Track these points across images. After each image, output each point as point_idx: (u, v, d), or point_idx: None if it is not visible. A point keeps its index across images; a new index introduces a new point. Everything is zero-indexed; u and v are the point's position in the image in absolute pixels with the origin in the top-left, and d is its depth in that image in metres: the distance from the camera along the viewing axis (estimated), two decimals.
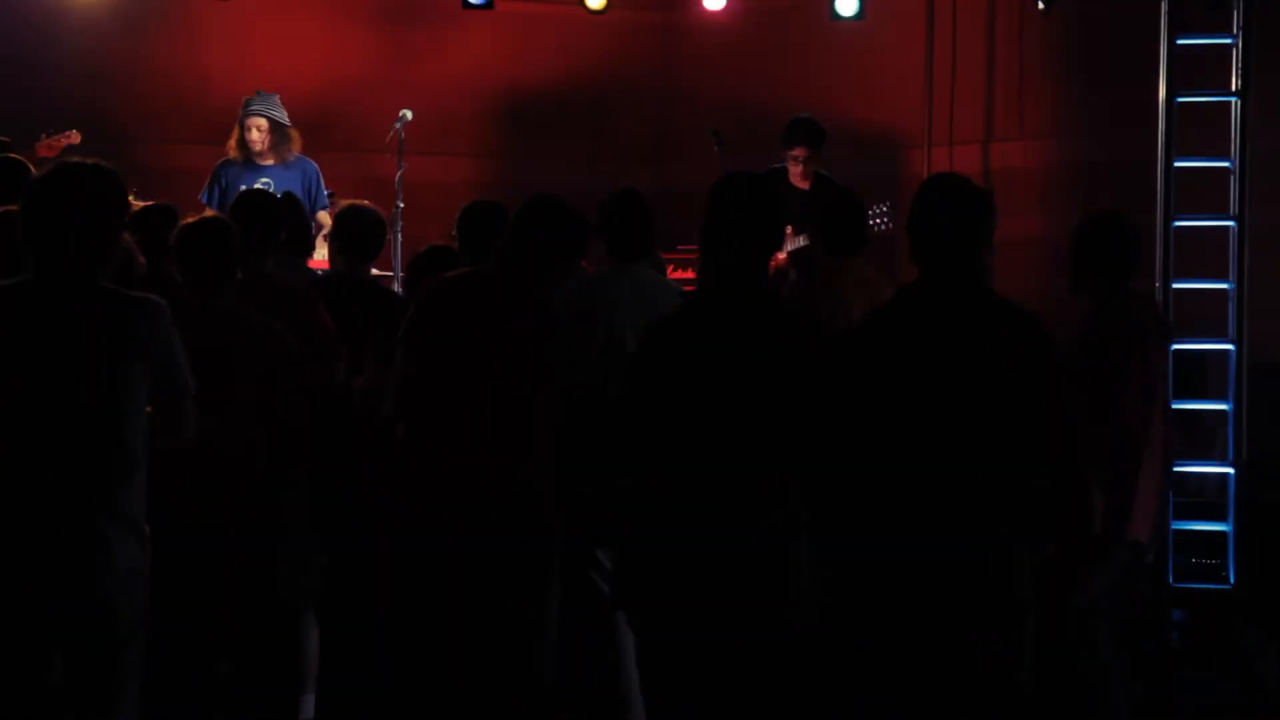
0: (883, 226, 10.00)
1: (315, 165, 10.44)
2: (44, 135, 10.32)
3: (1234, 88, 8.51)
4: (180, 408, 4.99)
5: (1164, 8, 8.51)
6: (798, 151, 10.18)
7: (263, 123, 10.31)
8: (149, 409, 4.93)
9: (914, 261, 5.18)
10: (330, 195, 10.29)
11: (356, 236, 7.59)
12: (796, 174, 10.20)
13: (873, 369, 5.02)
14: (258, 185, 10.17)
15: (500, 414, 5.85)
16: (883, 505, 4.94)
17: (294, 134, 10.40)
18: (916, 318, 5.11)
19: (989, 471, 4.98)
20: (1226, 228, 8.47)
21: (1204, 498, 8.68)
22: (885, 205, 10.16)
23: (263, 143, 10.30)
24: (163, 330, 4.90)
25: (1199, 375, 8.77)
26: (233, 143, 10.41)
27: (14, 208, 6.47)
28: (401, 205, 10.80)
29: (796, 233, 9.74)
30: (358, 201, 8.04)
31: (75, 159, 5.00)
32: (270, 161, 10.35)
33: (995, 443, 4.99)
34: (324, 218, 10.06)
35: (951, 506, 4.98)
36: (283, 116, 10.38)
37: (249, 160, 10.34)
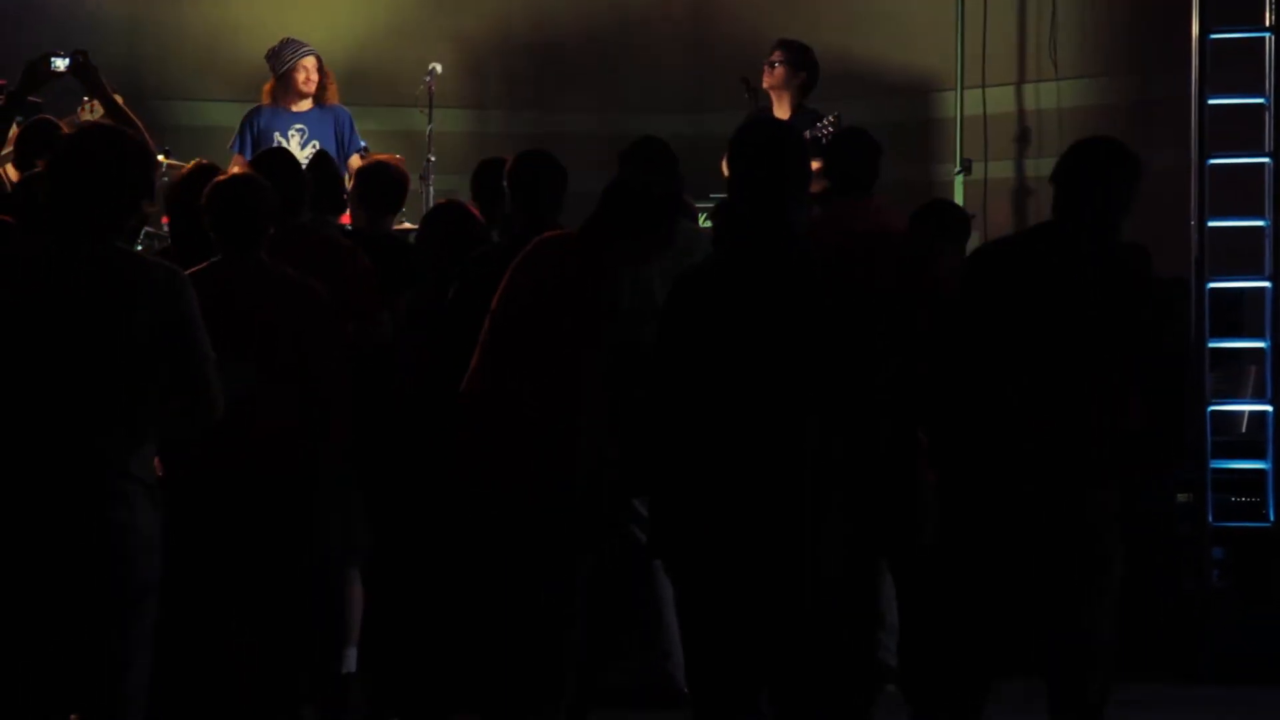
0: (826, 137, 9.85)
1: (348, 112, 10.41)
2: (85, 99, 10.31)
3: (1268, 23, 8.44)
4: (202, 375, 4.83)
5: None
6: (773, 55, 10.06)
7: (312, 61, 10.28)
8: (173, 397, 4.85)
9: (1054, 211, 5.28)
10: (365, 149, 10.26)
11: (377, 191, 7.61)
12: (770, 83, 10.10)
13: (986, 303, 5.09)
14: (292, 131, 10.17)
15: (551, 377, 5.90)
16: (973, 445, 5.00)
17: (333, 76, 10.39)
18: (1038, 257, 5.22)
19: (1097, 413, 5.05)
20: (1262, 164, 8.43)
21: (1243, 436, 8.66)
22: (831, 116, 9.98)
23: (315, 82, 10.26)
24: (176, 295, 4.79)
25: (1236, 313, 8.74)
26: (268, 88, 10.36)
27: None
28: (433, 159, 10.78)
29: None
30: (380, 155, 8.05)
31: (105, 122, 5.00)
32: (306, 106, 10.31)
33: (1114, 392, 5.06)
34: (355, 163, 10.02)
35: (1051, 451, 5.04)
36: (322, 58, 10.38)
37: (280, 107, 10.31)
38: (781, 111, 10.02)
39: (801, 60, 10.07)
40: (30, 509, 4.70)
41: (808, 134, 9.70)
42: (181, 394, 4.83)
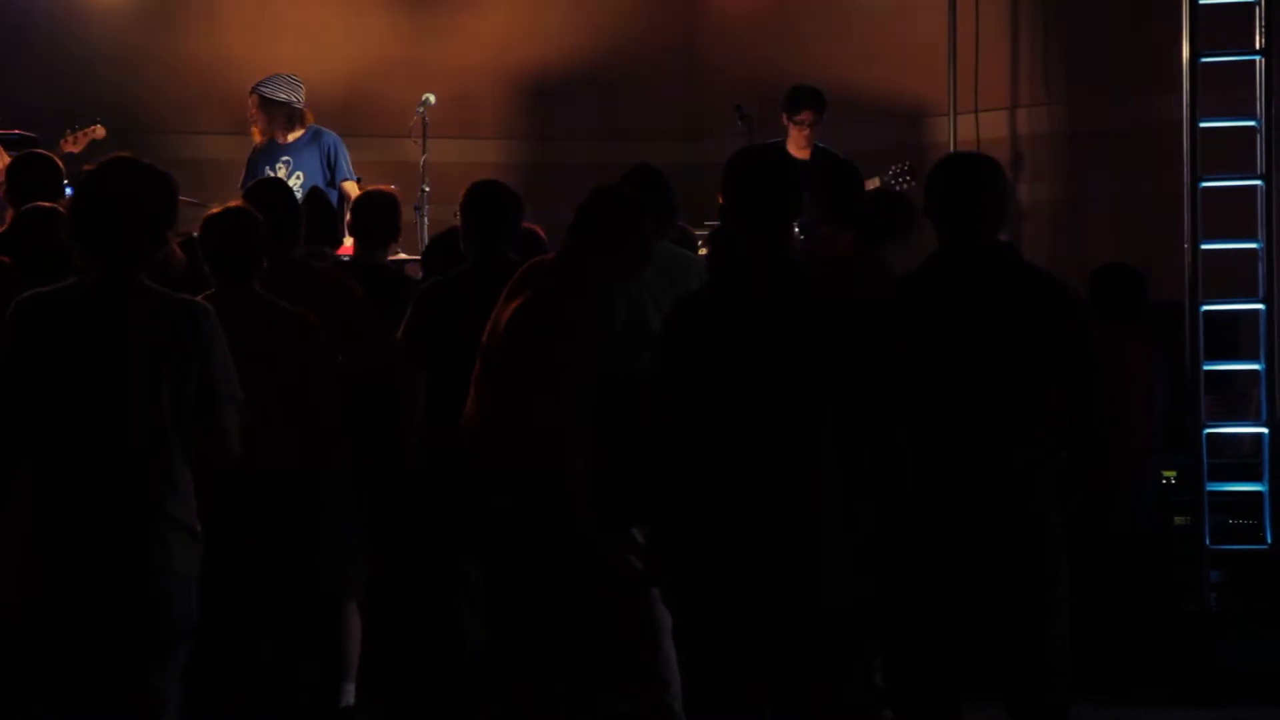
0: (902, 185, 10.02)
1: (335, 135, 10.40)
2: (68, 131, 10.33)
3: (1258, 46, 8.46)
4: (224, 418, 4.88)
5: None
6: (803, 116, 10.25)
7: (252, 98, 10.31)
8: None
9: (939, 237, 5.26)
10: (359, 181, 10.27)
11: (371, 221, 7.62)
12: (800, 141, 10.24)
13: (905, 336, 5.07)
14: (279, 164, 10.19)
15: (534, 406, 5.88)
16: (919, 472, 4.98)
17: (297, 111, 10.34)
18: (941, 286, 5.17)
19: (1024, 437, 5.03)
20: (1254, 187, 8.44)
21: (1239, 458, 8.66)
22: (905, 164, 10.18)
23: (254, 119, 10.30)
24: (208, 334, 4.82)
25: (1231, 336, 8.76)
26: (253, 127, 10.42)
27: (45, 204, 6.56)
28: (427, 189, 10.81)
29: None
30: (373, 186, 8.06)
31: (126, 155, 4.95)
32: (292, 137, 10.32)
33: (1026, 406, 5.04)
34: (350, 188, 10.05)
35: (986, 474, 5.03)
36: (274, 93, 10.31)
37: (272, 139, 10.35)
38: (800, 152, 10.17)
39: (823, 106, 10.30)
40: (71, 552, 4.71)
41: (879, 181, 9.94)
42: (202, 436, 4.86)
